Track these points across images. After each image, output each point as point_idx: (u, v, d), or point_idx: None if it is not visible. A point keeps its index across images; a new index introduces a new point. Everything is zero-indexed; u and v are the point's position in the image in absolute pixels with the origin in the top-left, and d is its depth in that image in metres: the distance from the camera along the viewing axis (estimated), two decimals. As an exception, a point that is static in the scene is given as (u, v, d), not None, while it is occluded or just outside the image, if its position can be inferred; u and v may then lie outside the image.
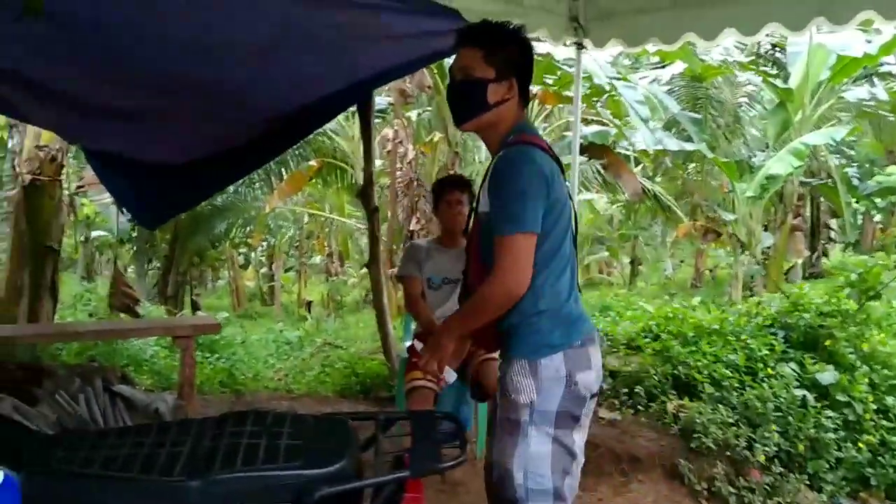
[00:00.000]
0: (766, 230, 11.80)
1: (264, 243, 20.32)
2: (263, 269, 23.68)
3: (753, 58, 11.68)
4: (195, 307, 15.57)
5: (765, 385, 4.25)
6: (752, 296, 10.65)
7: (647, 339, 5.00)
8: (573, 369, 1.98)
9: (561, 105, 11.59)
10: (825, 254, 15.93)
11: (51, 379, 4.11)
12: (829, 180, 11.47)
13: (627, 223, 19.07)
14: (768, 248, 11.66)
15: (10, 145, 7.76)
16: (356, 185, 11.59)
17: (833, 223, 16.62)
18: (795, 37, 10.94)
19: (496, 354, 3.57)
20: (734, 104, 11.90)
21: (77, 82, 3.41)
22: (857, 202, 13.96)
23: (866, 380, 4.42)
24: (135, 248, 14.13)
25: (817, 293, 5.15)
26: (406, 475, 1.75)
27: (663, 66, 11.48)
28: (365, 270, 17.84)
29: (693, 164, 14.09)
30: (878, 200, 14.79)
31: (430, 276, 3.70)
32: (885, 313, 5.79)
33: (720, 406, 4.12)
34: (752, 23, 4.50)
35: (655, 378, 4.48)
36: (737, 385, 4.34)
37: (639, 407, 4.37)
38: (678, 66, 10.45)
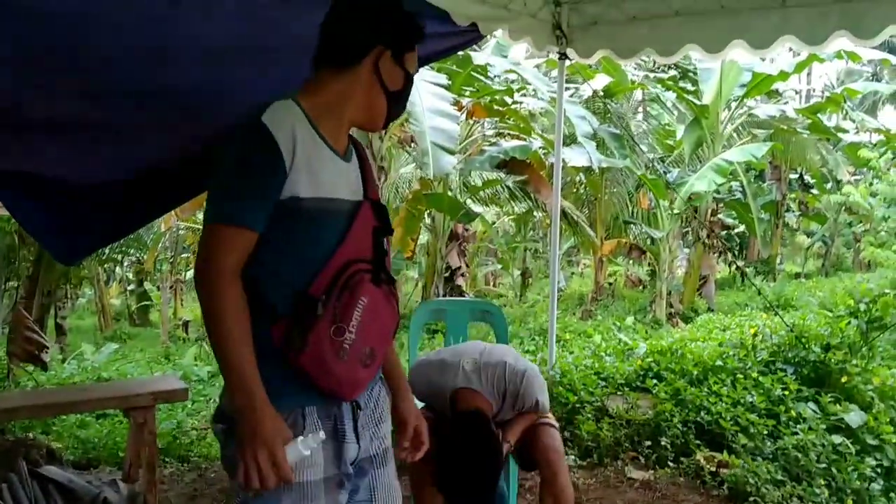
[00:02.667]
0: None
1: (132, 258, 18.70)
2: (131, 286, 21.85)
3: (662, 72, 11.68)
4: (59, 331, 13.96)
5: (798, 430, 3.89)
6: (674, 312, 10.62)
7: (653, 380, 4.52)
8: None
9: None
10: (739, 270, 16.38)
11: (-44, 464, 3.14)
12: (740, 196, 11.65)
13: (518, 236, 19.08)
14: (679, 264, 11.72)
15: None
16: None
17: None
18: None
19: (551, 417, 2.97)
20: (628, 120, 11.96)
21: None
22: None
23: (887, 419, 4.16)
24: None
25: (819, 324, 4.88)
26: None
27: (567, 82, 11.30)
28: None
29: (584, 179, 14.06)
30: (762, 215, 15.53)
31: None
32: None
33: (760, 459, 3.70)
34: (766, 35, 4.21)
35: (678, 427, 4.01)
36: (766, 432, 3.95)
37: (669, 463, 3.87)
38: (598, 82, 10.22)
